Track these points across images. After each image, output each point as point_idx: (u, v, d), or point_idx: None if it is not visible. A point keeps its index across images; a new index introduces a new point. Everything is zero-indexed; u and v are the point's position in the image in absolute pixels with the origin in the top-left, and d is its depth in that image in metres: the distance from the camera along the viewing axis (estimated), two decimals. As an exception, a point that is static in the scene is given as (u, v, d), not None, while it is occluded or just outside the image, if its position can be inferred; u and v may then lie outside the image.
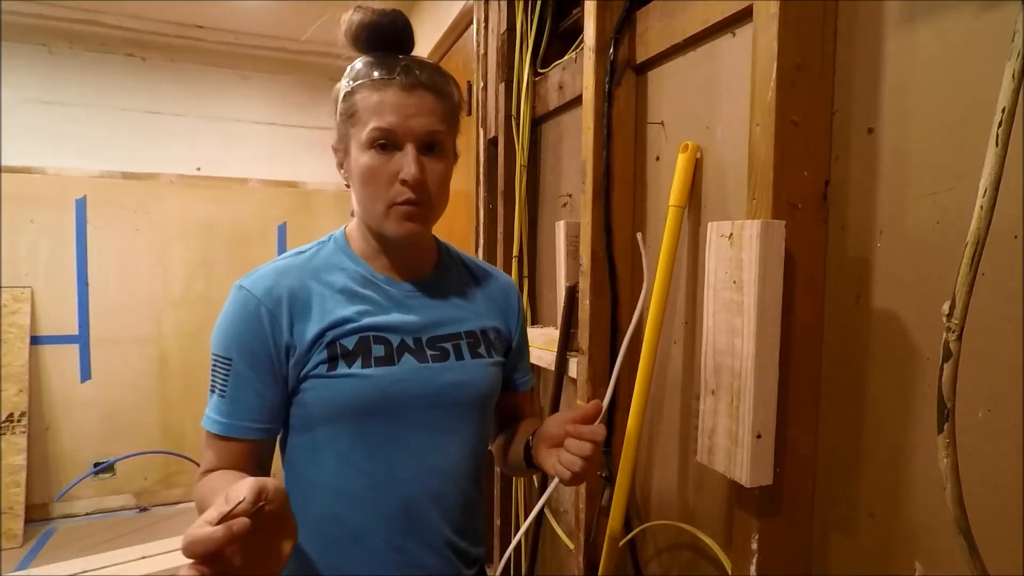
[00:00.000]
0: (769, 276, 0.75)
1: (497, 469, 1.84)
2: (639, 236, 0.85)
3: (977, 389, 0.62)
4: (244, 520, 0.49)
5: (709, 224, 0.83)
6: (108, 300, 3.35)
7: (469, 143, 2.07)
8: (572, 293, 1.32)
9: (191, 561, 0.49)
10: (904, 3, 0.70)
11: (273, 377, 0.74)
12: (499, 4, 1.78)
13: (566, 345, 1.38)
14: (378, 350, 0.75)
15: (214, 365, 0.74)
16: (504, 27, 1.73)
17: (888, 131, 0.72)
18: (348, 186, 0.78)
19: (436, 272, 0.85)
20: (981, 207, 0.50)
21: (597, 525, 1.20)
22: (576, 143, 1.40)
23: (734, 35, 0.93)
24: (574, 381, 1.33)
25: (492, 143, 1.87)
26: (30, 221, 3.20)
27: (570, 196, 1.50)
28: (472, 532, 0.85)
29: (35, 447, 3.18)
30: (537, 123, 1.66)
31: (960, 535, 0.53)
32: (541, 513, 1.55)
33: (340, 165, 0.80)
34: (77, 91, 3.29)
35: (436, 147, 0.75)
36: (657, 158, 1.13)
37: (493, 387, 0.85)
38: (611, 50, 1.12)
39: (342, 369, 0.73)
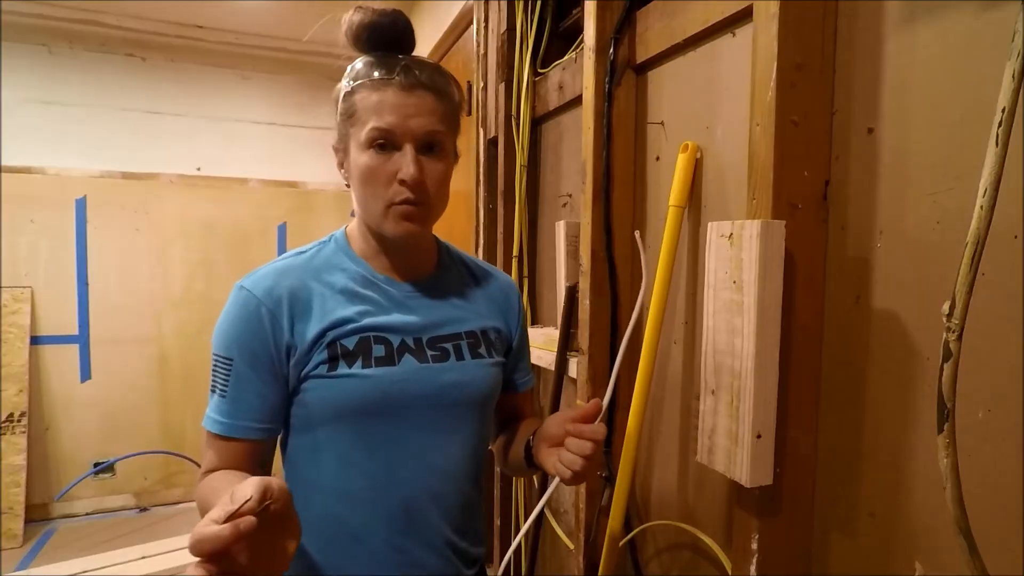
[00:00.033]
0: (769, 276, 0.75)
1: (497, 469, 1.84)
2: (637, 234, 0.85)
3: (977, 389, 0.62)
4: (251, 519, 0.49)
5: (709, 224, 0.83)
6: (108, 300, 3.35)
7: (469, 143, 2.07)
8: (572, 293, 1.33)
9: (198, 560, 0.49)
10: (904, 3, 0.70)
11: (274, 377, 0.74)
12: (499, 4, 1.78)
13: (566, 345, 1.38)
14: (378, 350, 0.75)
15: (215, 365, 0.74)
16: (504, 27, 1.73)
17: (888, 131, 0.72)
18: (348, 186, 0.78)
19: (436, 272, 0.85)
20: (981, 207, 0.50)
21: (597, 525, 1.20)
22: (576, 143, 1.40)
23: (734, 35, 0.93)
24: (574, 381, 1.33)
25: (492, 143, 1.87)
26: (30, 221, 3.20)
27: (570, 196, 1.50)
28: (472, 532, 0.85)
29: (35, 447, 3.18)
30: (537, 123, 1.66)
31: (960, 535, 0.53)
32: (541, 513, 1.55)
33: (340, 165, 0.80)
34: (77, 91, 3.29)
35: (435, 147, 0.75)
36: (657, 158, 1.13)
37: (493, 387, 0.85)
38: (611, 50, 1.12)
39: (342, 369, 0.73)
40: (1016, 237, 0.59)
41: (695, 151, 1.00)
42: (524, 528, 0.81)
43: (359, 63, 0.76)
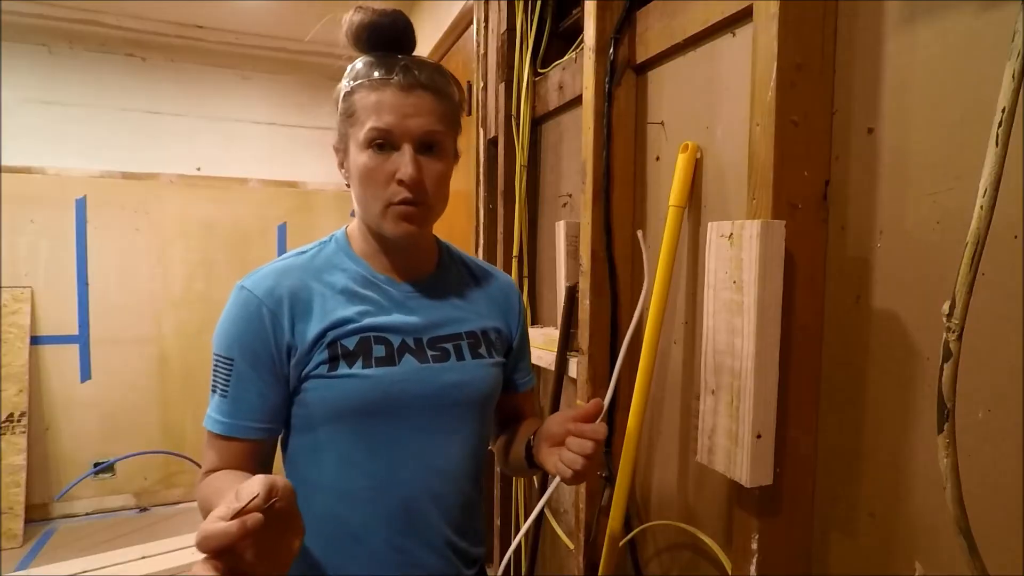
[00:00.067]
0: (769, 276, 0.75)
1: (497, 469, 1.84)
2: (639, 234, 0.85)
3: (977, 389, 0.62)
4: (258, 515, 0.50)
5: (709, 224, 0.83)
6: (108, 300, 3.35)
7: (469, 143, 2.07)
8: (572, 293, 1.33)
9: (204, 556, 0.49)
10: (904, 3, 0.70)
11: (275, 377, 0.74)
12: (499, 4, 1.78)
13: (566, 345, 1.38)
14: (379, 350, 0.75)
15: (216, 365, 0.74)
16: (504, 27, 1.73)
17: (888, 131, 0.72)
18: (348, 186, 0.79)
19: (437, 272, 0.85)
20: (981, 207, 0.50)
21: (597, 525, 1.20)
22: (576, 143, 1.40)
23: (734, 35, 0.93)
24: (574, 381, 1.33)
25: (492, 143, 1.87)
26: (30, 221, 3.20)
27: (570, 196, 1.50)
28: (472, 532, 0.85)
29: (35, 447, 3.18)
30: (537, 123, 1.66)
31: (960, 535, 0.53)
32: (541, 513, 1.55)
33: (341, 165, 0.80)
34: (77, 91, 3.29)
35: (434, 147, 0.75)
36: (657, 158, 1.13)
37: (494, 387, 0.85)
38: (611, 50, 1.12)
39: (343, 369, 0.73)
40: (1016, 237, 0.59)
41: (695, 151, 1.00)
42: (524, 528, 0.81)
43: (359, 63, 0.76)
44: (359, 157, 0.74)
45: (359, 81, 0.74)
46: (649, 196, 1.16)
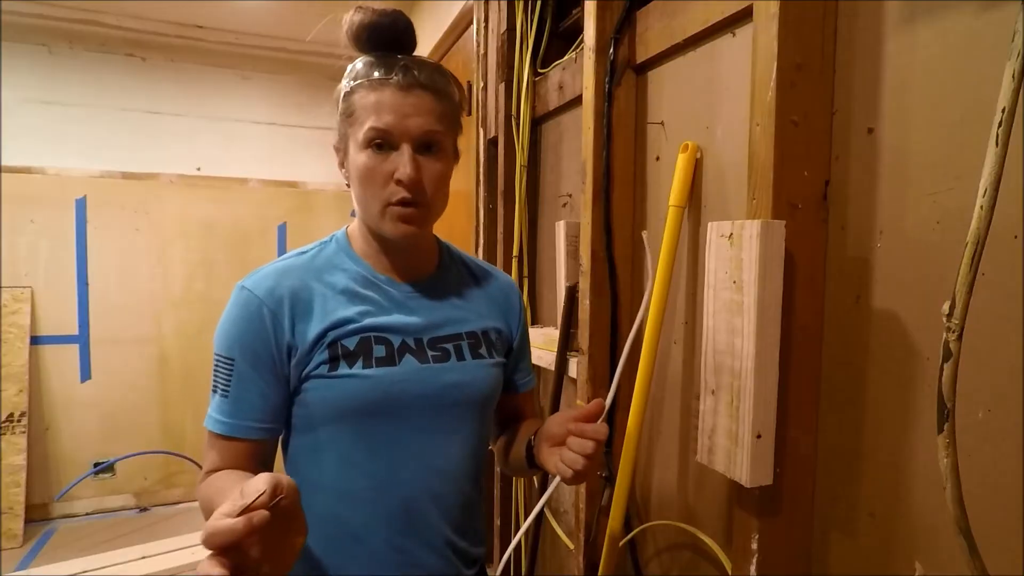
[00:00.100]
0: (769, 276, 0.75)
1: (497, 469, 1.84)
2: (645, 235, 0.85)
3: (977, 389, 0.62)
4: (264, 512, 0.50)
5: (709, 224, 0.83)
6: (108, 300, 3.35)
7: (469, 143, 2.07)
8: (572, 293, 1.33)
9: (210, 553, 0.50)
10: (904, 3, 0.70)
11: (275, 377, 0.74)
12: (499, 4, 1.78)
13: (566, 345, 1.38)
14: (379, 351, 0.75)
15: (216, 365, 0.74)
16: (504, 27, 1.73)
17: (888, 131, 0.73)
18: (349, 186, 0.79)
19: (437, 273, 0.85)
20: (981, 207, 0.50)
21: (597, 525, 1.20)
22: (576, 143, 1.40)
23: (734, 35, 0.93)
24: (574, 381, 1.33)
25: (492, 143, 1.87)
26: (30, 221, 3.20)
27: (570, 196, 1.50)
28: (472, 532, 0.85)
29: (35, 447, 3.18)
30: (537, 123, 1.66)
31: (960, 535, 0.53)
32: (541, 513, 1.55)
33: (341, 165, 0.80)
34: (77, 91, 3.29)
35: (434, 147, 0.75)
36: (657, 158, 1.13)
37: (494, 388, 0.85)
38: (611, 50, 1.12)
39: (343, 369, 0.73)
40: (1016, 237, 0.59)
41: (695, 151, 1.00)
42: (524, 528, 0.81)
43: (359, 63, 0.76)
44: (358, 157, 0.74)
45: (359, 81, 0.74)
46: (649, 196, 1.16)
